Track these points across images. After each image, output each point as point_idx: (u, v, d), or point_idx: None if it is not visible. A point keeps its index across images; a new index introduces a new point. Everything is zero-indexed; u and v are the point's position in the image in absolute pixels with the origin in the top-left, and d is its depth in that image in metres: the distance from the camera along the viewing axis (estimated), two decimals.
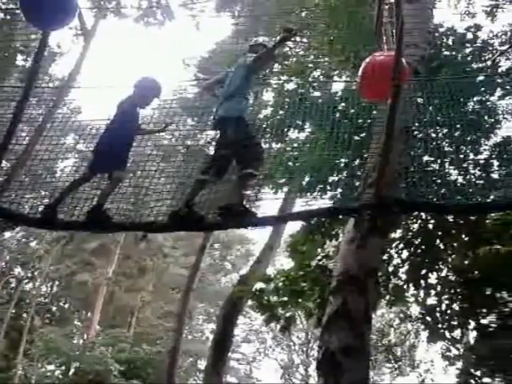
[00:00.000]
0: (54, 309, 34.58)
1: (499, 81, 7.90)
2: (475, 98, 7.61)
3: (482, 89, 7.65)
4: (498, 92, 7.67)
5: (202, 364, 29.23)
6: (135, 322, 31.80)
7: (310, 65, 11.26)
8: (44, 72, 13.04)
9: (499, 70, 9.44)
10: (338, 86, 9.28)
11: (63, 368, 26.59)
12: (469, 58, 9.46)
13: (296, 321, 14.38)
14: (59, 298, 34.86)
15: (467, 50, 9.71)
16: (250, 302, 15.12)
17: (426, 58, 8.77)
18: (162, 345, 26.76)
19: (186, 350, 27.34)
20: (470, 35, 10.06)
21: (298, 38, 12.06)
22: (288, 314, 11.84)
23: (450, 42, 10.06)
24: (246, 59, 5.81)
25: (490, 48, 10.05)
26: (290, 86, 9.87)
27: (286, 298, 11.55)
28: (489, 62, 9.74)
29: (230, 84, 5.72)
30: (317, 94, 8.95)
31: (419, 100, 6.96)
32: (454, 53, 9.61)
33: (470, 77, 7.98)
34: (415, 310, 12.76)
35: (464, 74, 8.26)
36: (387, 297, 11.10)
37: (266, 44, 5.98)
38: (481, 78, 8.25)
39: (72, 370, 26.08)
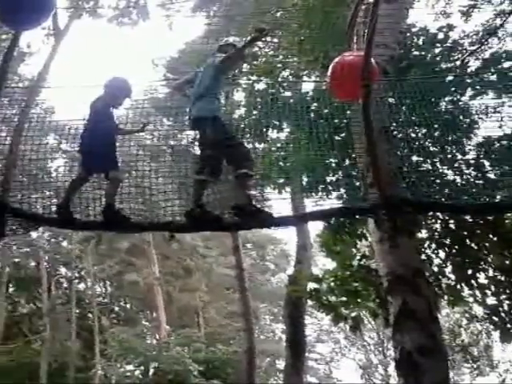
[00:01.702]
0: (117, 309, 34.40)
1: (469, 81, 7.99)
2: (447, 98, 7.69)
3: (453, 89, 7.74)
4: (469, 92, 7.76)
5: (281, 364, 29.06)
6: (203, 322, 31.57)
7: (279, 65, 11.25)
8: (13, 72, 12.86)
9: (468, 70, 9.51)
10: (308, 86, 9.31)
11: (142, 368, 26.31)
12: (438, 58, 9.52)
13: (364, 321, 14.02)
14: (118, 298, 34.57)
15: (437, 50, 9.76)
16: (310, 302, 14.91)
17: (396, 58, 8.80)
18: (237, 345, 26.62)
19: (263, 349, 27.31)
20: (441, 35, 10.13)
21: (268, 38, 12.05)
22: (353, 314, 11.62)
23: (420, 42, 10.11)
24: (215, 59, 5.86)
25: (460, 48, 10.11)
26: (261, 86, 9.82)
27: (345, 299, 11.41)
28: (458, 62, 9.83)
29: (200, 84, 5.77)
30: (288, 94, 8.95)
31: (391, 100, 7.04)
32: (423, 53, 9.64)
33: (439, 77, 8.08)
34: (480, 310, 12.43)
35: (433, 73, 8.33)
36: (445, 297, 10.92)
37: (236, 44, 6.03)
38: (450, 77, 8.35)
39: (151, 370, 25.90)
